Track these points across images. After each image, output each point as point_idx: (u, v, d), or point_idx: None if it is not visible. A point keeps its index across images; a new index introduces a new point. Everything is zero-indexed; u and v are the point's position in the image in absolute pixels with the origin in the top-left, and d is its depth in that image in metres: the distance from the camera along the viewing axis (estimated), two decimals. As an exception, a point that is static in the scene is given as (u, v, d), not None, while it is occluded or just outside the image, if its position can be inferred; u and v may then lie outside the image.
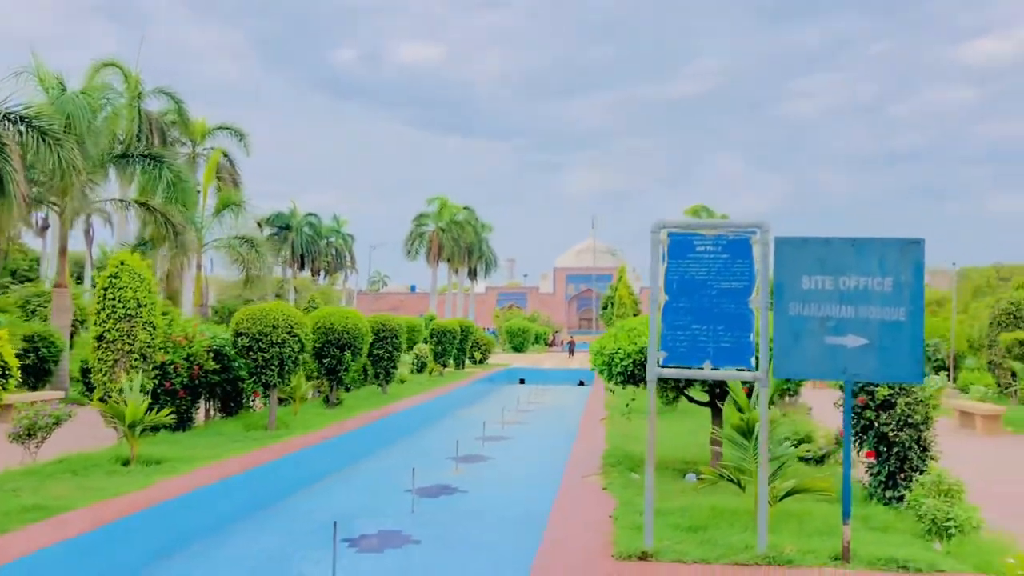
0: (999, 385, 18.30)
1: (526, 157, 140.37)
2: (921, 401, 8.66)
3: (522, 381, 32.69)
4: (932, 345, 20.36)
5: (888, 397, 8.48)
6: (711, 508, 7.35)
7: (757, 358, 6.37)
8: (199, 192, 30.61)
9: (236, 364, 14.34)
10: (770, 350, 6.28)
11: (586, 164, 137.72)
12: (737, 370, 6.38)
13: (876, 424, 8.52)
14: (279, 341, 13.12)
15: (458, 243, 53.39)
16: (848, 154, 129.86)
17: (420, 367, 27.66)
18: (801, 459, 10.46)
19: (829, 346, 6.14)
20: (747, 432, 7.20)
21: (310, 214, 63.02)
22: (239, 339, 13.14)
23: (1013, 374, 17.69)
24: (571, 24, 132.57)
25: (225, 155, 38.43)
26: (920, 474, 8.48)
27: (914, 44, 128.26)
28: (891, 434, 8.44)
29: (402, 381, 23.45)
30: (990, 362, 18.61)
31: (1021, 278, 46.87)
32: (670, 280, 6.48)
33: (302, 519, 9.15)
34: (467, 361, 33.53)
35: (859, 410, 8.66)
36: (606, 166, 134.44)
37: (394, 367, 20.97)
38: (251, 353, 13.07)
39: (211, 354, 13.54)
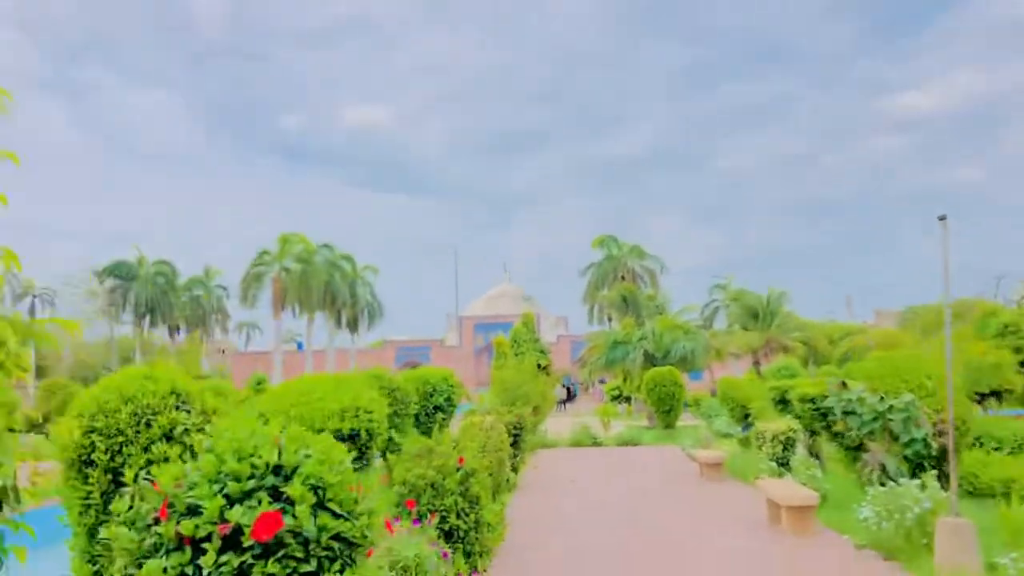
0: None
1: (467, 216, 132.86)
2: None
3: None
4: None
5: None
6: None
7: None
8: None
9: None
10: None
11: (525, 222, 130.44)
12: None
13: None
14: None
15: (309, 286, 44.23)
16: (783, 205, 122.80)
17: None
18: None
19: None
20: None
21: (161, 262, 54.25)
22: None
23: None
24: (508, 88, 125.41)
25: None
26: None
27: (843, 97, 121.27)
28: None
29: None
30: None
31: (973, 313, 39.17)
32: None
33: None
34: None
35: None
36: (544, 224, 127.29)
37: None
38: None
39: None
